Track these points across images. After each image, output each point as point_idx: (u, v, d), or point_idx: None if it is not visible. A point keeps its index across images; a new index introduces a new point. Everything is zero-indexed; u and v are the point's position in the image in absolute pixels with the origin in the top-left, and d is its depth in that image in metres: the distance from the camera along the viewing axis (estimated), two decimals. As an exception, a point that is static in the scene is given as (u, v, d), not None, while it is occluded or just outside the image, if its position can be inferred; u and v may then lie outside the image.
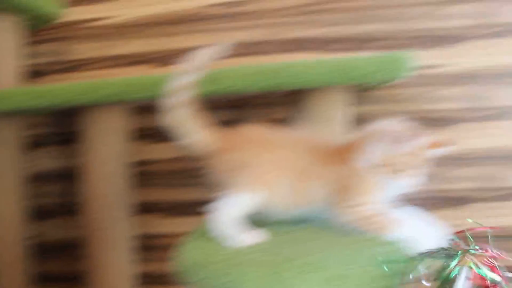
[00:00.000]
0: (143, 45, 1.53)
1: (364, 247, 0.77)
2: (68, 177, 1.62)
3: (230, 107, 1.47)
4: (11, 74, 1.40)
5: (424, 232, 0.80)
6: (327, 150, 0.87)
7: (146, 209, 1.56)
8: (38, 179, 1.62)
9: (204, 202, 0.90)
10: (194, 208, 1.52)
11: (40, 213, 1.62)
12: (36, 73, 1.60)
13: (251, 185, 0.85)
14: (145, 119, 1.53)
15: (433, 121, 1.43)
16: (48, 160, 1.63)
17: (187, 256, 0.83)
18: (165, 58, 1.52)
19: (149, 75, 1.25)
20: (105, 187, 1.30)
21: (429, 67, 1.41)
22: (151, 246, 1.57)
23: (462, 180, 1.44)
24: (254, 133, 0.92)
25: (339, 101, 1.19)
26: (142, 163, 1.54)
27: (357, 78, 1.11)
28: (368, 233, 0.81)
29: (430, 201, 1.45)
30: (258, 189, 0.85)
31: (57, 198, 1.64)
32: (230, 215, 0.85)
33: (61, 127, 1.62)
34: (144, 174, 1.55)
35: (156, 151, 1.55)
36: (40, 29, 1.57)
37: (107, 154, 1.30)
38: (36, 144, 1.63)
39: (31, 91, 1.23)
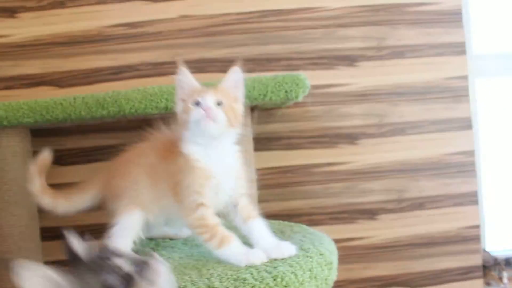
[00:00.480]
0: (42, 65, 1.46)
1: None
2: None
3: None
4: None
5: (247, 252, 0.76)
6: (169, 145, 0.85)
7: (59, 235, 1.47)
8: None
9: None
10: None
11: None
12: None
13: (125, 206, 0.84)
14: (49, 142, 1.46)
15: (340, 138, 1.48)
16: None
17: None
18: (65, 80, 1.46)
19: (47, 98, 1.18)
20: (8, 214, 1.21)
21: (330, 86, 1.47)
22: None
23: (372, 193, 1.50)
24: (131, 153, 0.91)
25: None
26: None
27: (257, 98, 1.12)
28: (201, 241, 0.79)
29: (343, 214, 1.49)
30: (131, 207, 0.84)
31: None
32: (120, 241, 0.83)
33: None
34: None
35: (65, 175, 1.47)
36: None
37: (8, 179, 1.22)
38: None
39: None
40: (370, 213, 1.50)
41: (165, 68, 1.45)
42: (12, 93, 1.46)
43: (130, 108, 1.11)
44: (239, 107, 0.82)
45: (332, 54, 1.47)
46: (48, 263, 1.39)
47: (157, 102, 1.10)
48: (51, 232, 1.45)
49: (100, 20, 1.44)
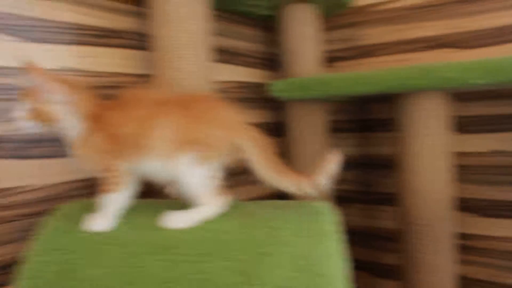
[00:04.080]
0: (443, 26, 1.34)
1: None
2: (365, 165, 1.55)
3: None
4: (311, 61, 1.37)
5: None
6: None
7: (460, 206, 1.37)
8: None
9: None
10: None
11: (338, 199, 1.58)
12: (327, 60, 1.57)
13: None
14: (463, 107, 1.35)
15: None
16: (344, 147, 1.59)
17: None
18: (467, 40, 1.31)
19: (490, 59, 1.02)
20: (425, 179, 1.16)
21: None
22: (465, 247, 1.38)
23: None
24: None
25: None
26: (456, 155, 1.37)
27: None
28: None
29: None
30: None
31: (355, 185, 1.59)
32: None
33: (357, 114, 1.55)
34: (459, 168, 1.36)
35: (471, 143, 1.34)
36: (332, 15, 1.52)
37: (428, 144, 1.15)
38: (333, 130, 1.59)
39: (348, 78, 1.16)
40: None
41: None
42: (410, 56, 1.41)
43: None
44: (48, 109, 0.75)
45: None
46: (458, 235, 1.31)
47: None
48: (462, 203, 1.37)
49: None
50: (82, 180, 1.04)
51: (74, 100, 0.76)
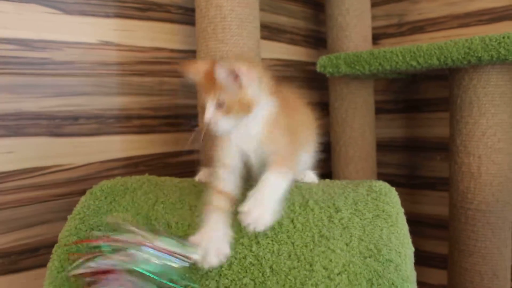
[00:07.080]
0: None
1: None
2: (410, 147, 1.45)
3: None
4: (359, 38, 1.26)
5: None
6: None
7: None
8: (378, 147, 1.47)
9: None
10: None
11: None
12: (372, 37, 1.46)
13: None
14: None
15: None
16: (386, 129, 1.49)
17: None
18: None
19: None
20: (489, 161, 1.05)
21: None
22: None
23: None
24: None
25: None
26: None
27: None
28: None
29: None
30: None
31: (399, 169, 1.48)
32: None
33: (403, 94, 1.44)
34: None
35: None
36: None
37: (493, 123, 1.04)
38: (378, 111, 1.47)
39: (401, 51, 1.04)
40: None
41: None
42: (465, 31, 1.29)
43: None
44: (249, 95, 0.66)
45: None
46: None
47: None
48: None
49: None
50: (119, 159, 0.98)
51: (265, 79, 0.69)
